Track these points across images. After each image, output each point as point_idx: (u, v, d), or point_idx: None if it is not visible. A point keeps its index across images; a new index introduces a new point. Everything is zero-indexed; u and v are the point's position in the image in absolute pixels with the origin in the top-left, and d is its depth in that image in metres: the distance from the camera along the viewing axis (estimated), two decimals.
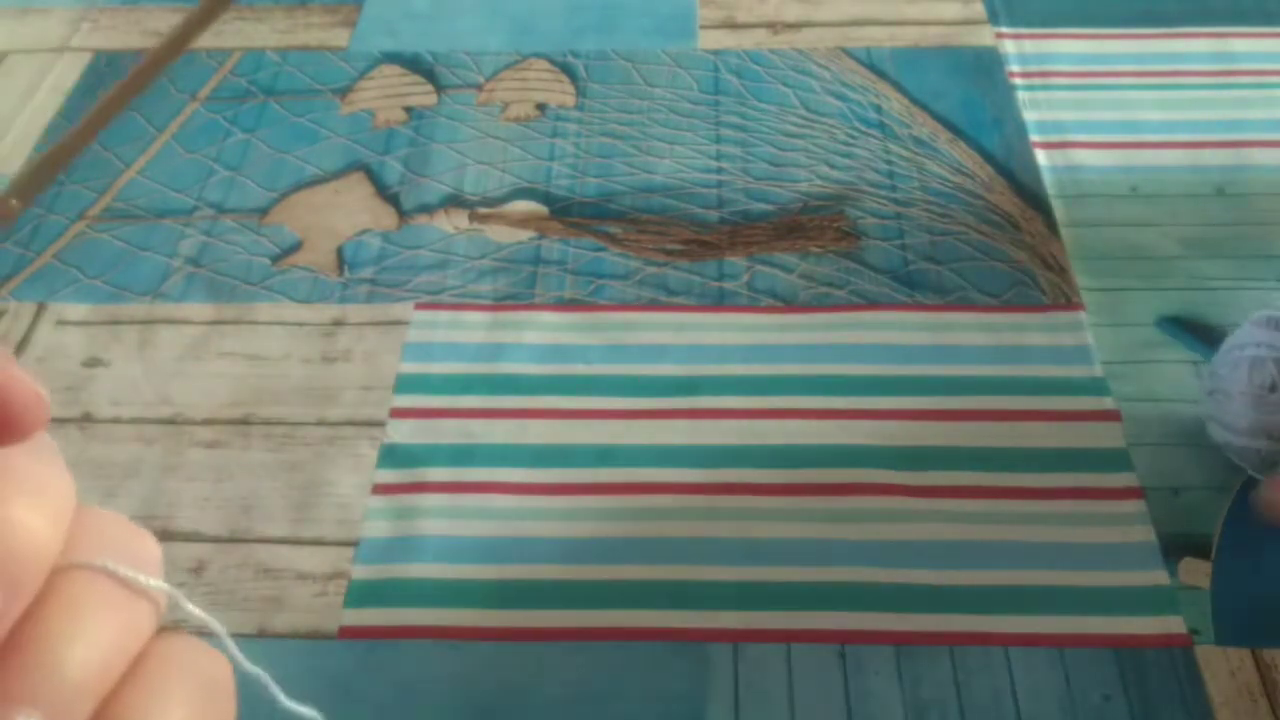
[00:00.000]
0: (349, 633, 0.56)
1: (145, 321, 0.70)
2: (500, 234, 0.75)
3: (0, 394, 0.15)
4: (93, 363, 0.68)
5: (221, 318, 0.71)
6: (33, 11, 0.93)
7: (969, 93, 0.84)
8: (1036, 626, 0.56)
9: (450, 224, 0.75)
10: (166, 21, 0.92)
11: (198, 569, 0.59)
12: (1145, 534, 0.59)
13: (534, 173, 0.79)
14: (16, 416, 0.15)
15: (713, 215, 0.76)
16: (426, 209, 0.77)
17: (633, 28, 0.90)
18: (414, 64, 0.88)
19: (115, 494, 0.62)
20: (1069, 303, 0.70)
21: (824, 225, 0.74)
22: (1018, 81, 0.84)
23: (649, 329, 0.69)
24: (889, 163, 0.79)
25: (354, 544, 0.60)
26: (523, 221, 0.75)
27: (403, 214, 0.76)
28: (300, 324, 0.70)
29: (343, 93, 0.85)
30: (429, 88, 0.85)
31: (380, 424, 0.65)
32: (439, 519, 0.61)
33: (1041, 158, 0.78)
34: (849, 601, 0.57)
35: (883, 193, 0.77)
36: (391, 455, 0.63)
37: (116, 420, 0.66)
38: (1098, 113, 0.82)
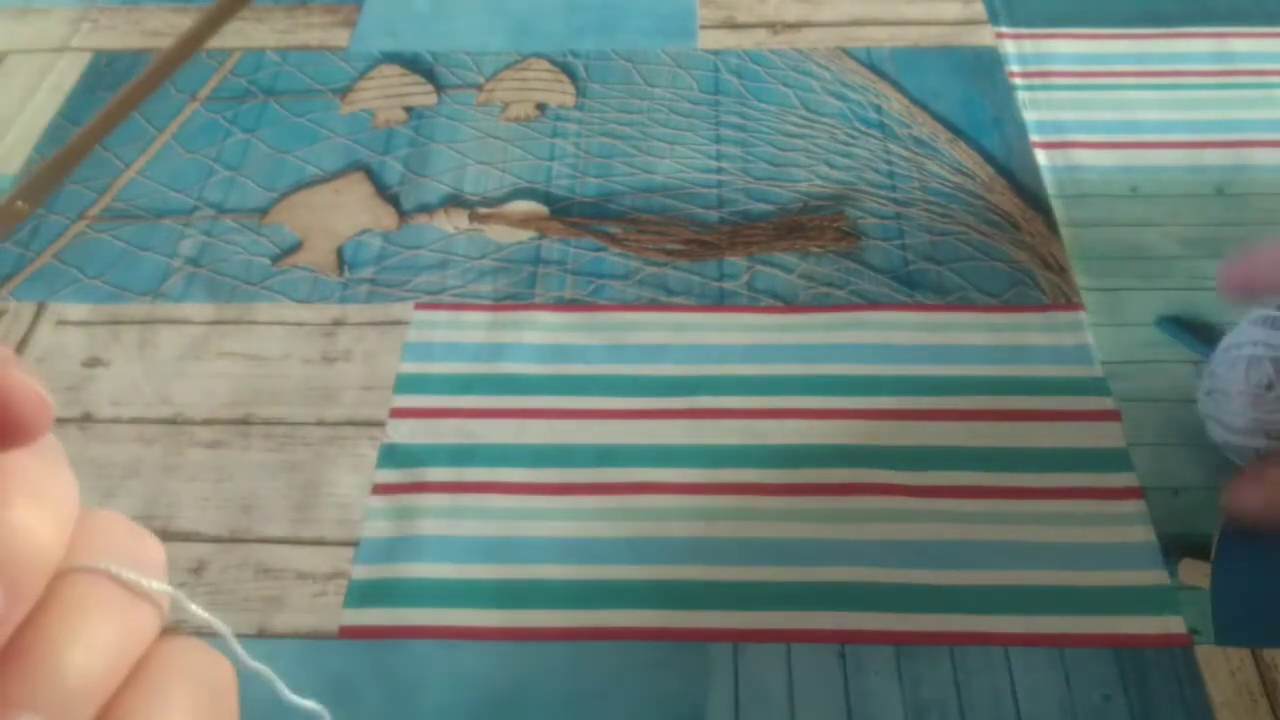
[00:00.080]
0: (349, 633, 0.56)
1: (145, 321, 0.71)
2: (500, 234, 0.75)
3: (3, 398, 0.15)
4: (93, 363, 0.68)
5: (221, 318, 0.71)
6: (33, 11, 0.93)
7: (969, 93, 0.84)
8: (1036, 626, 0.56)
9: (450, 224, 0.75)
10: (167, 21, 0.92)
11: (197, 569, 0.59)
12: (1145, 534, 0.59)
13: (534, 173, 0.79)
14: (20, 420, 0.15)
15: (713, 215, 0.76)
16: (426, 209, 0.77)
17: (633, 28, 0.90)
18: (414, 64, 0.88)
19: (115, 494, 0.62)
20: (1069, 303, 0.70)
21: (824, 225, 0.74)
22: (1018, 81, 0.84)
23: (649, 329, 0.69)
24: (889, 163, 0.79)
25: (354, 544, 0.60)
26: (523, 221, 0.75)
27: (403, 214, 0.76)
28: (300, 324, 0.70)
29: (343, 93, 0.85)
30: (429, 88, 0.85)
31: (380, 424, 0.65)
32: (439, 519, 0.61)
33: (1041, 158, 0.78)
34: (849, 601, 0.57)
35: (883, 193, 0.77)
36: (391, 455, 0.63)
37: (116, 420, 0.66)
38: (1098, 113, 0.82)
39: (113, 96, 0.85)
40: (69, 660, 0.15)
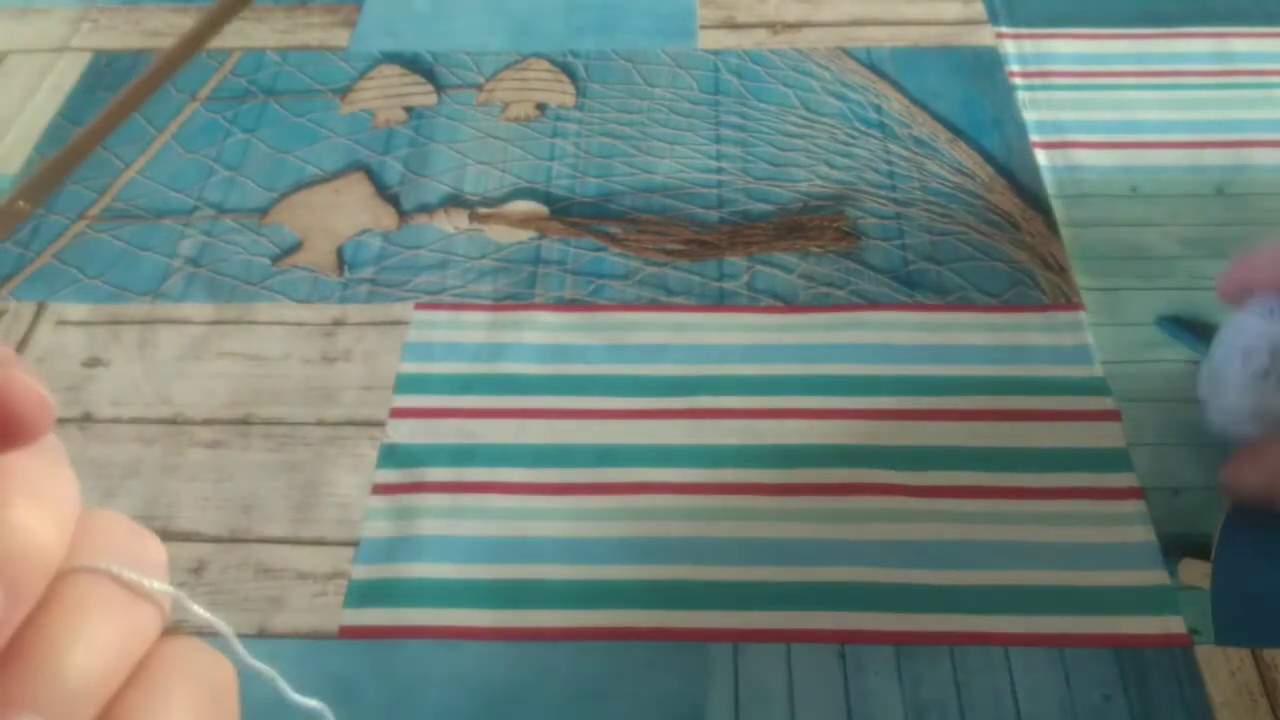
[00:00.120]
0: (349, 633, 0.56)
1: (145, 321, 0.71)
2: (500, 234, 0.75)
3: (4, 399, 0.15)
4: (93, 363, 0.68)
5: (221, 318, 0.71)
6: (33, 11, 0.93)
7: (969, 93, 0.84)
8: (1036, 626, 0.56)
9: (450, 224, 0.75)
10: (167, 21, 0.92)
11: (197, 569, 0.59)
12: (1145, 534, 0.59)
13: (534, 173, 0.79)
14: (21, 421, 0.15)
15: (713, 215, 0.76)
16: (426, 209, 0.77)
17: (633, 28, 0.90)
18: (414, 64, 0.88)
19: (115, 494, 0.62)
20: (1069, 303, 0.70)
21: (824, 225, 0.74)
22: (1018, 81, 0.84)
23: (649, 329, 0.69)
24: (889, 163, 0.79)
25: (354, 544, 0.60)
26: (523, 221, 0.75)
27: (403, 214, 0.76)
28: (300, 324, 0.70)
29: (343, 93, 0.85)
30: (429, 88, 0.85)
31: (380, 424, 0.65)
32: (439, 519, 0.61)
33: (1041, 158, 0.78)
34: (849, 601, 0.57)
35: (883, 193, 0.77)
36: (391, 455, 0.63)
37: (116, 420, 0.66)
38: (1098, 113, 0.82)
39: (113, 96, 0.85)
40: (70, 660, 0.15)
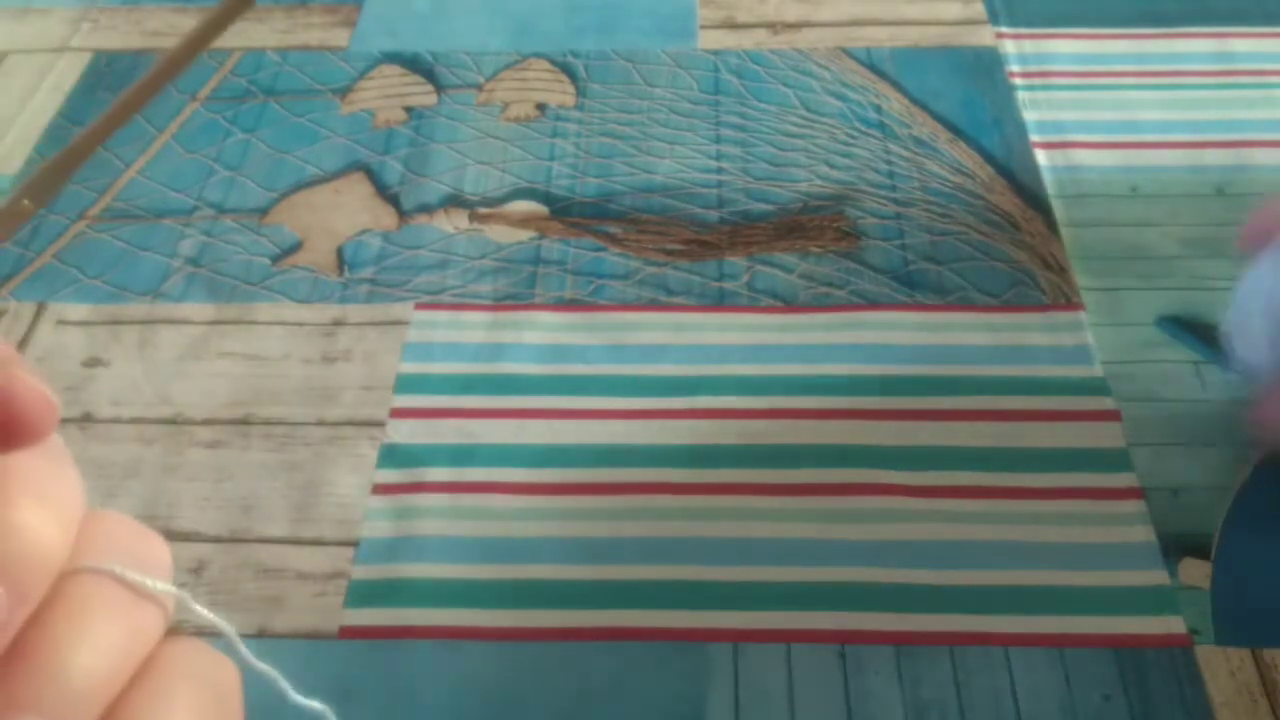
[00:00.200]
0: (349, 633, 0.56)
1: (145, 321, 0.70)
2: (500, 234, 0.75)
3: (8, 399, 0.15)
4: (93, 363, 0.68)
5: (221, 318, 0.70)
6: (33, 11, 0.93)
7: (969, 93, 0.84)
8: (1036, 626, 0.56)
9: (450, 224, 0.75)
10: (167, 21, 0.92)
11: (198, 569, 0.59)
12: (1145, 534, 0.59)
13: (534, 173, 0.79)
14: (24, 421, 0.15)
15: (713, 215, 0.76)
16: (426, 209, 0.77)
17: (633, 28, 0.90)
18: (414, 64, 0.88)
19: (115, 494, 0.62)
20: (1069, 303, 0.70)
21: (824, 225, 0.74)
22: (1018, 81, 0.84)
23: (649, 329, 0.69)
24: (889, 163, 0.79)
25: (354, 544, 0.60)
26: (523, 221, 0.75)
27: (403, 214, 0.76)
28: (300, 324, 0.70)
29: (343, 93, 0.85)
30: (429, 88, 0.85)
31: (380, 424, 0.65)
32: (439, 519, 0.61)
33: (1041, 158, 0.78)
34: (849, 601, 0.57)
35: (883, 193, 0.77)
36: (391, 455, 0.63)
37: (116, 420, 0.66)
38: (1098, 113, 0.82)
39: (113, 96, 0.85)
40: (73, 661, 0.15)
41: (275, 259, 0.74)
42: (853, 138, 0.81)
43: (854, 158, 0.79)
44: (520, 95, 0.85)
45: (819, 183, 0.78)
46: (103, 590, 0.16)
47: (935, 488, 0.61)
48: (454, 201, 0.77)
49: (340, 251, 0.74)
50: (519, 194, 0.78)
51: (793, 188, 0.77)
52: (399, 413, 0.65)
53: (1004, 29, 0.89)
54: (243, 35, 0.90)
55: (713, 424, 0.64)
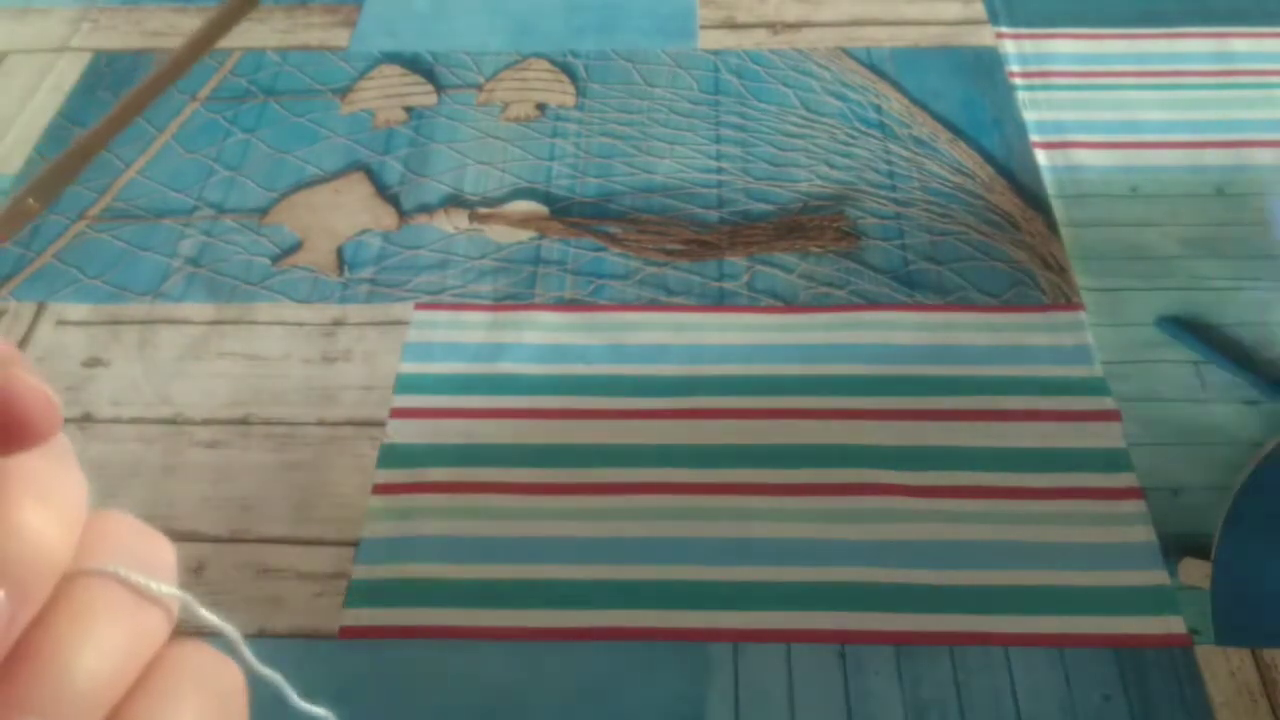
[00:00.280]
0: (349, 633, 0.56)
1: (145, 321, 0.70)
2: (500, 234, 0.75)
3: (11, 400, 0.15)
4: (93, 363, 0.68)
5: (221, 318, 0.70)
6: (33, 11, 0.93)
7: (969, 93, 0.84)
8: (1036, 626, 0.56)
9: (450, 224, 0.75)
10: (167, 21, 0.92)
11: (198, 569, 0.59)
12: (1145, 534, 0.59)
13: (534, 173, 0.79)
14: (26, 423, 0.15)
15: (713, 215, 0.76)
16: (426, 209, 0.77)
17: (633, 28, 0.90)
18: (414, 64, 0.88)
19: (115, 494, 0.62)
20: (1069, 303, 0.70)
21: (824, 225, 0.74)
22: (1018, 81, 0.84)
23: (649, 329, 0.69)
24: (889, 163, 0.79)
25: (354, 544, 0.60)
26: (523, 221, 0.75)
27: (403, 214, 0.76)
28: (300, 324, 0.70)
29: (343, 93, 0.85)
30: (429, 88, 0.85)
31: (380, 424, 0.65)
32: (439, 519, 0.60)
33: (1041, 158, 0.78)
34: (849, 601, 0.57)
35: (883, 193, 0.77)
36: (391, 455, 0.63)
37: (116, 420, 0.66)
38: (1098, 113, 0.82)
39: (114, 96, 0.85)
40: (77, 664, 0.15)
41: (275, 259, 0.74)
42: (853, 138, 0.80)
43: (854, 158, 0.79)
44: (520, 95, 0.85)
45: (819, 183, 0.78)
46: (106, 592, 0.16)
47: (935, 488, 0.61)
48: (454, 201, 0.77)
49: (340, 251, 0.74)
50: (519, 194, 0.78)
51: (793, 188, 0.77)
52: (399, 413, 0.65)
53: (1004, 29, 0.89)
54: (243, 35, 0.90)
55: (713, 424, 0.64)
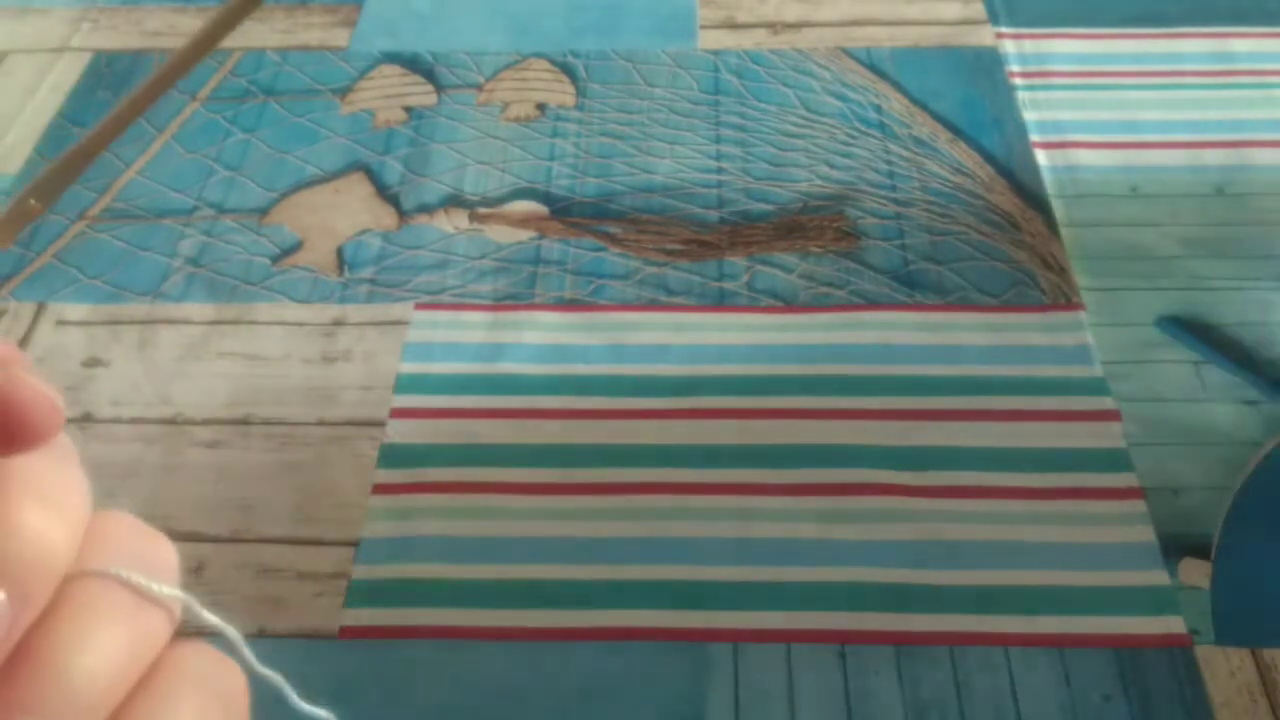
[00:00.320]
0: (349, 633, 0.56)
1: (145, 321, 0.70)
2: (500, 234, 0.75)
3: (12, 401, 0.15)
4: (93, 363, 0.68)
5: (221, 318, 0.70)
6: (33, 11, 0.93)
7: (969, 93, 0.84)
8: (1036, 626, 0.56)
9: (450, 224, 0.75)
10: (167, 21, 0.92)
11: (198, 569, 0.59)
12: (1145, 534, 0.59)
13: (534, 173, 0.79)
14: (27, 424, 0.15)
15: (713, 215, 0.76)
16: (426, 209, 0.77)
17: (633, 28, 0.90)
18: (414, 64, 0.88)
19: (115, 494, 0.62)
20: (1069, 302, 0.70)
21: (824, 225, 0.74)
22: (1018, 81, 0.84)
23: (649, 329, 0.69)
24: (889, 163, 0.79)
25: (354, 544, 0.60)
26: (523, 221, 0.75)
27: (403, 214, 0.76)
28: (300, 324, 0.70)
29: (343, 93, 0.85)
30: (429, 88, 0.85)
31: (380, 424, 0.65)
32: (439, 519, 0.61)
33: (1041, 158, 0.78)
34: (849, 601, 0.57)
35: (883, 193, 0.77)
36: (391, 455, 0.63)
37: (116, 420, 0.66)
38: (1098, 113, 0.82)
39: (115, 96, 0.85)
40: (78, 665, 0.15)
41: (275, 259, 0.74)
42: (853, 138, 0.81)
43: (854, 158, 0.79)
44: (520, 95, 0.85)
45: (819, 183, 0.78)
46: (108, 594, 0.16)
47: (935, 488, 0.61)
48: (454, 201, 0.77)
49: (340, 251, 0.74)
50: (519, 194, 0.78)
51: (793, 188, 0.77)
52: (399, 413, 0.65)
53: (1004, 29, 0.89)
54: (243, 35, 0.90)
55: (713, 424, 0.64)
